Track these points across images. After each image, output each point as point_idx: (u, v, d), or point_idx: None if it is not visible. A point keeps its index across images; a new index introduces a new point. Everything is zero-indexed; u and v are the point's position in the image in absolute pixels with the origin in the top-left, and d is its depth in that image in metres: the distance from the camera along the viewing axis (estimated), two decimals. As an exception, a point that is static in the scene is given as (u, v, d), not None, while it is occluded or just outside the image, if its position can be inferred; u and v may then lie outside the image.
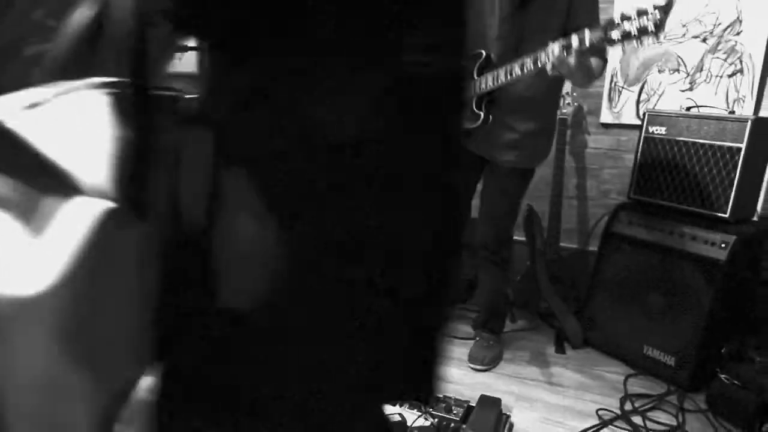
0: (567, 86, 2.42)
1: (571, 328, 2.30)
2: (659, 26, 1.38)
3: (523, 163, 1.98)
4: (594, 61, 1.71)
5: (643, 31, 1.40)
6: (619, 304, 2.20)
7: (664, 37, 2.44)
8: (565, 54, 1.51)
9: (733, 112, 2.27)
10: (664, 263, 2.06)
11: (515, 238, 2.72)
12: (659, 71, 2.48)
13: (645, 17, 1.40)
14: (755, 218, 2.15)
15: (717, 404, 1.82)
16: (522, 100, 1.87)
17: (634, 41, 1.43)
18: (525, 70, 1.66)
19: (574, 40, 1.50)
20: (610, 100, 2.60)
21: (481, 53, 1.87)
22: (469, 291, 2.68)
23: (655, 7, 1.39)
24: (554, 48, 1.53)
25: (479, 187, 2.15)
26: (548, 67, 1.56)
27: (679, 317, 2.00)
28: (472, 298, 2.61)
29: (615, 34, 1.44)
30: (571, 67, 1.52)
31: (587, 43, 1.48)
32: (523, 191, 2.09)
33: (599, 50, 1.65)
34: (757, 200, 2.14)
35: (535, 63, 1.63)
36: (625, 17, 1.43)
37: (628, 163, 2.57)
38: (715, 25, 2.34)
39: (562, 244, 2.55)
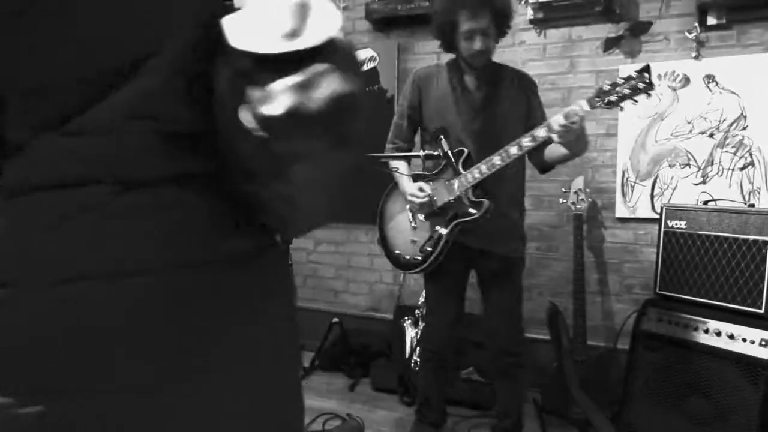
0: (580, 182, 2.45)
1: (608, 437, 2.12)
2: (649, 83, 1.62)
3: (521, 251, 2.06)
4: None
5: (635, 90, 1.64)
6: (658, 408, 2.05)
7: (671, 133, 2.50)
8: (570, 122, 1.67)
9: (752, 205, 2.26)
10: (702, 363, 1.95)
11: (539, 336, 2.62)
12: (670, 166, 2.51)
13: (632, 80, 1.64)
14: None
15: None
16: (512, 188, 2.00)
17: (629, 100, 1.66)
18: (522, 149, 1.80)
19: (577, 107, 1.69)
20: (624, 194, 2.61)
21: (463, 150, 1.94)
22: (495, 398, 2.53)
23: (637, 72, 1.64)
24: (559, 118, 1.70)
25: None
26: (556, 137, 1.73)
27: (727, 426, 1.85)
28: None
29: (612, 97, 1.67)
30: (575, 134, 1.69)
31: (589, 107, 1.69)
32: (522, 284, 2.11)
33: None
34: (791, 293, 2.06)
35: (533, 139, 1.77)
36: (613, 83, 1.67)
37: (648, 257, 2.53)
38: (720, 121, 2.41)
39: (589, 343, 2.44)
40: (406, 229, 2.08)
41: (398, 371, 2.72)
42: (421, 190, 1.96)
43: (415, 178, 2.04)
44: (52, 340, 0.46)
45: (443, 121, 1.98)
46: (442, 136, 1.82)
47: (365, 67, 3.18)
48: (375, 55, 3.15)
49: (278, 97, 0.45)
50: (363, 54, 3.16)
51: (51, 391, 0.46)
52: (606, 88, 1.68)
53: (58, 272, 0.46)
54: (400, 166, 2.06)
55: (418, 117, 2.05)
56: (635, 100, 1.66)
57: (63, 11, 0.46)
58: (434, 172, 2.02)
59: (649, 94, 1.65)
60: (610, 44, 2.60)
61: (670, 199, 2.50)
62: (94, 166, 0.48)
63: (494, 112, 1.95)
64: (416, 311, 2.79)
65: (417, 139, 2.16)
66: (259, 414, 0.57)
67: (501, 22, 1.88)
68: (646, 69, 1.65)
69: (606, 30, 2.62)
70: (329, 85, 0.46)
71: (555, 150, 1.89)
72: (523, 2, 2.71)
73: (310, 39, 0.46)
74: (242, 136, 0.47)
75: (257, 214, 0.56)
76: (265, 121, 0.45)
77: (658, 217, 2.24)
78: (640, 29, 2.55)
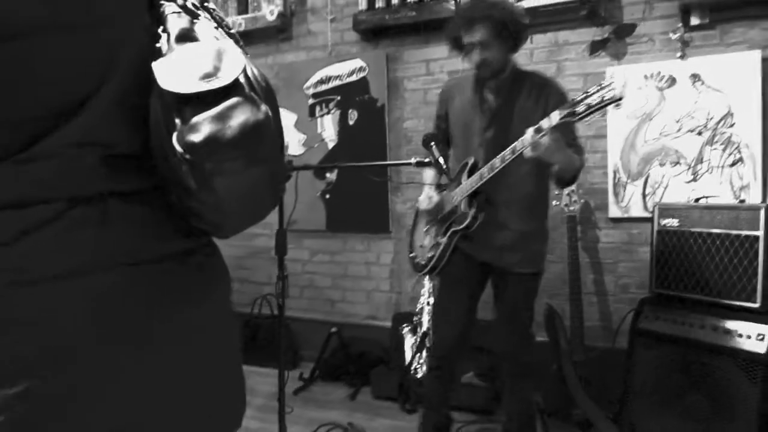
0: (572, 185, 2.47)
1: (610, 437, 2.13)
2: (618, 94, 1.57)
3: (528, 267, 1.99)
4: (571, 150, 1.83)
5: (602, 100, 1.58)
6: (659, 406, 2.06)
7: (659, 133, 2.53)
8: (538, 136, 1.66)
9: (743, 201, 2.29)
10: (700, 359, 1.96)
11: (538, 339, 2.62)
12: (660, 165, 2.54)
13: (603, 90, 1.58)
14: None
15: None
16: (516, 201, 1.96)
17: (597, 112, 1.60)
18: (504, 161, 1.79)
19: (545, 122, 1.66)
20: (616, 194, 2.63)
21: (470, 161, 1.97)
22: (495, 402, 2.53)
23: (609, 81, 1.59)
24: (529, 131, 1.69)
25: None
26: (526, 151, 1.70)
27: (728, 421, 1.85)
28: (499, 409, 2.46)
29: (580, 108, 1.61)
30: (547, 147, 1.66)
31: (555, 121, 1.63)
32: (536, 294, 2.07)
33: (570, 139, 1.85)
34: (784, 287, 2.08)
35: (512, 152, 1.76)
36: (586, 94, 1.62)
37: (642, 256, 2.54)
38: (708, 119, 2.44)
39: (587, 344, 2.45)
40: (421, 235, 2.19)
41: (398, 378, 2.71)
42: (430, 197, 2.05)
43: (438, 186, 2.11)
44: (28, 327, 0.56)
45: (463, 130, 2.04)
46: (432, 143, 1.83)
47: (354, 77, 3.20)
48: (364, 65, 3.17)
49: (199, 127, 0.55)
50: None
51: (28, 374, 0.55)
52: (577, 99, 1.64)
53: (23, 276, 0.55)
54: (426, 175, 2.15)
55: (445, 125, 2.13)
56: (604, 111, 1.64)
57: (21, 63, 0.55)
58: (451, 180, 2.05)
59: (618, 105, 1.61)
60: (596, 47, 2.64)
61: (661, 197, 2.53)
62: (48, 187, 0.58)
63: (508, 122, 1.94)
64: (414, 318, 2.79)
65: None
66: (193, 388, 0.67)
67: (504, 33, 1.87)
68: (617, 79, 1.63)
69: (591, 33, 2.66)
70: (241, 115, 0.57)
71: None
72: (509, 8, 2.74)
73: (223, 79, 0.57)
74: (174, 156, 0.57)
75: (192, 220, 0.66)
76: (189, 147, 0.56)
77: (650, 216, 2.26)
78: (624, 32, 2.58)
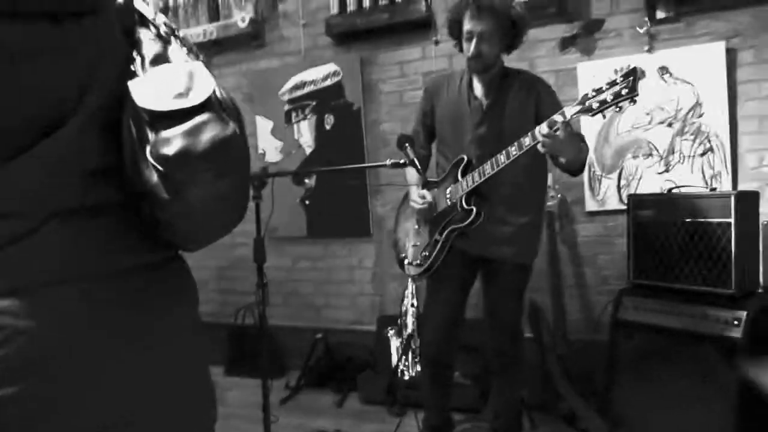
0: (548, 179, 2.49)
1: (596, 428, 2.15)
2: (632, 89, 1.52)
3: (522, 258, 2.01)
4: (580, 142, 1.83)
5: (617, 96, 1.54)
6: (643, 395, 2.08)
7: (633, 125, 2.56)
8: (553, 130, 1.64)
9: (714, 189, 2.33)
10: (679, 347, 1.99)
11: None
12: (633, 157, 2.58)
13: (616, 86, 1.55)
14: (760, 290, 2.12)
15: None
16: (512, 195, 1.95)
17: (612, 107, 1.56)
18: (510, 157, 1.78)
19: (558, 116, 1.65)
20: (592, 188, 2.66)
21: (463, 158, 1.95)
22: (482, 401, 2.54)
23: (623, 76, 1.55)
24: (543, 127, 1.67)
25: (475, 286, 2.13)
26: (540, 146, 1.68)
27: (709, 405, 1.88)
28: (485, 408, 2.46)
29: (593, 104, 1.59)
30: (561, 141, 1.65)
31: (570, 115, 1.63)
32: (526, 286, 2.08)
33: (579, 134, 1.81)
34: (758, 272, 2.12)
35: (520, 147, 1.75)
36: (596, 90, 1.59)
37: (620, 248, 2.57)
38: (677, 110, 2.48)
39: (570, 337, 2.47)
40: (411, 235, 2.16)
41: (386, 382, 2.71)
42: (423, 197, 2.02)
43: (426, 185, 2.08)
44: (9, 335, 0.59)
45: (452, 126, 2.02)
46: (407, 144, 1.83)
47: (329, 82, 3.19)
48: (338, 69, 3.16)
49: (172, 141, 0.60)
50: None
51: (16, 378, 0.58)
52: (590, 94, 1.61)
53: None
54: (409, 174, 2.13)
55: (430, 121, 2.11)
56: (619, 107, 1.57)
57: (6, 86, 0.59)
58: (440, 179, 2.05)
59: (634, 101, 1.55)
60: (566, 43, 2.67)
61: (636, 189, 2.56)
62: (24, 201, 0.61)
63: (500, 119, 1.94)
64: (398, 320, 2.79)
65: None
66: (157, 400, 0.69)
67: (507, 31, 1.87)
68: (633, 72, 1.54)
69: (561, 30, 2.69)
70: (210, 131, 0.62)
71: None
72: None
73: (194, 98, 0.63)
74: (147, 168, 0.62)
75: (163, 232, 0.70)
76: (162, 159, 0.60)
77: (626, 207, 2.29)
78: (593, 27, 2.62)
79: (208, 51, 3.29)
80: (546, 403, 2.43)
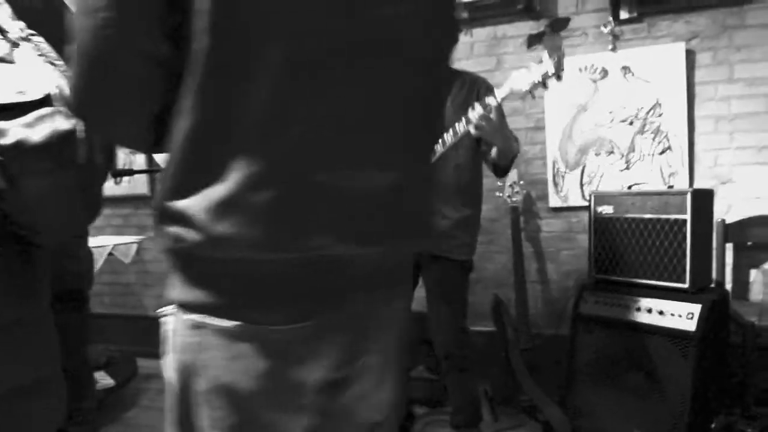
0: (513, 175, 2.51)
1: (557, 420, 2.18)
2: (558, 67, 1.62)
3: (459, 254, 2.02)
4: (511, 132, 1.91)
5: (546, 76, 1.64)
6: (601, 387, 2.13)
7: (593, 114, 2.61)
8: (486, 112, 1.71)
9: (671, 186, 2.39)
10: (637, 340, 2.04)
11: (485, 329, 2.66)
12: (596, 155, 2.62)
13: (542, 65, 1.64)
14: (712, 285, 2.20)
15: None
16: (450, 188, 1.98)
17: (540, 87, 1.66)
18: (446, 145, 1.82)
19: (491, 99, 1.71)
20: (555, 185, 2.70)
21: None
22: (446, 394, 2.55)
23: (549, 56, 1.64)
24: (477, 108, 1.73)
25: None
26: (471, 128, 1.75)
27: (664, 396, 1.94)
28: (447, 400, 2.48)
29: (522, 85, 1.67)
30: (493, 125, 1.71)
31: (501, 96, 1.71)
32: (467, 283, 2.09)
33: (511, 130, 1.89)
34: (711, 267, 2.19)
35: (455, 134, 1.79)
36: (525, 71, 1.67)
37: (582, 243, 2.62)
38: (638, 109, 2.54)
39: (533, 331, 2.50)
40: None
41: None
42: None
43: None
44: None
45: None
46: None
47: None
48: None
49: (8, 132, 0.64)
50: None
51: None
52: (517, 76, 1.70)
53: None
54: None
55: None
56: (545, 86, 1.67)
57: None
58: None
59: (560, 77, 1.64)
60: (532, 41, 2.69)
61: (598, 186, 2.61)
62: None
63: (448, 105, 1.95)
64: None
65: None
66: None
67: None
68: (557, 50, 1.66)
69: (529, 27, 2.71)
70: (51, 124, 0.66)
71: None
72: (448, 2, 2.76)
73: (33, 94, 0.67)
74: None
75: (6, 224, 0.72)
76: None
77: (588, 204, 2.33)
78: (559, 25, 2.65)
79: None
80: (509, 396, 2.46)
